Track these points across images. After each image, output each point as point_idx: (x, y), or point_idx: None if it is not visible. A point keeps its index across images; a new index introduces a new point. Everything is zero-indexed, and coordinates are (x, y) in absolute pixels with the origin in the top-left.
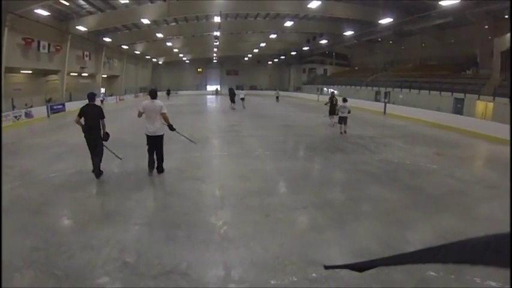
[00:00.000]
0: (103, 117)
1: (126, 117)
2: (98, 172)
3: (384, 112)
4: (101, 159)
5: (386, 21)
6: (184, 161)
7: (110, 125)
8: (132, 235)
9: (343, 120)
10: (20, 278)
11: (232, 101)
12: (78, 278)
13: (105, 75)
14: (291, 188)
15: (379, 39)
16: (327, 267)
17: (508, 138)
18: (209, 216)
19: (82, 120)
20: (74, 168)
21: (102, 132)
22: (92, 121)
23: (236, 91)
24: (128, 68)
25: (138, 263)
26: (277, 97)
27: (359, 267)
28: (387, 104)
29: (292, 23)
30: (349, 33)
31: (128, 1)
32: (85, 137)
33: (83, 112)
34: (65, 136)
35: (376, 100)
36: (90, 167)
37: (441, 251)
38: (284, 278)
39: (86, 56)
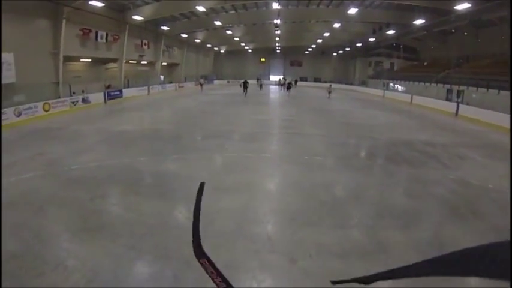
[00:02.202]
0: None
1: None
2: None
3: (456, 113)
4: None
5: (463, 6)
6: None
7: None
8: (112, 260)
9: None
10: None
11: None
12: None
13: (165, 63)
14: (336, 218)
15: (453, 30)
16: (333, 282)
17: None
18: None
19: None
20: (97, 161)
21: None
22: None
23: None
24: (188, 56)
25: None
26: (329, 92)
27: (366, 280)
28: (460, 105)
29: (356, 10)
30: (419, 22)
31: None
32: None
33: None
34: (109, 124)
35: (447, 99)
36: (115, 159)
37: (448, 261)
38: None
39: (145, 44)
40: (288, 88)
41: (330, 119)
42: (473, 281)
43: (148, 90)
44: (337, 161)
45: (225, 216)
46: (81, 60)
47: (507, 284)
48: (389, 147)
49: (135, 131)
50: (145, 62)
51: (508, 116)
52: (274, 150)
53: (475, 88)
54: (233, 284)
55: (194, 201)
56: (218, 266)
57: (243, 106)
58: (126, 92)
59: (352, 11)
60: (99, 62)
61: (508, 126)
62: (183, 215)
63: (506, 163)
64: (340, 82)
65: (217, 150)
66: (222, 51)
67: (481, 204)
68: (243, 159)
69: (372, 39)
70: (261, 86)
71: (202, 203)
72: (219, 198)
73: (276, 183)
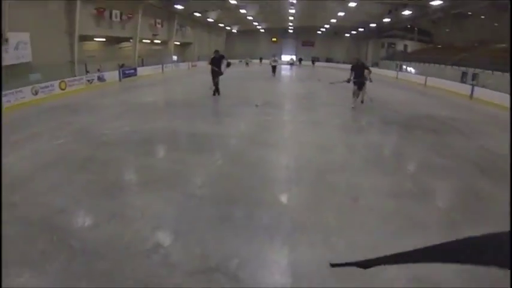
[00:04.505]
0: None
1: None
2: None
3: (471, 96)
4: None
5: None
6: (256, 125)
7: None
8: (174, 209)
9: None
10: (29, 245)
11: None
12: (93, 257)
13: (178, 42)
14: (382, 168)
15: (470, 13)
16: (333, 265)
17: None
18: (279, 193)
19: None
20: (129, 126)
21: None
22: None
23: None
24: (201, 36)
25: (173, 249)
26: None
27: (364, 265)
28: (475, 87)
29: None
30: (437, 2)
31: None
32: None
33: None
34: (130, 97)
35: (462, 82)
36: (146, 125)
37: (445, 249)
38: None
39: (158, 23)
40: (291, 64)
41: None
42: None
43: (162, 69)
44: (367, 126)
45: (276, 162)
46: (96, 39)
47: (507, 273)
48: (413, 119)
49: (159, 101)
50: (159, 41)
51: None
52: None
53: (490, 72)
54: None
55: (233, 155)
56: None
57: (263, 81)
58: (141, 71)
59: None
60: (113, 41)
61: None
62: (230, 165)
63: None
64: (351, 63)
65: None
66: (234, 30)
67: (504, 166)
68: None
69: (386, 20)
70: (274, 68)
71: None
72: (267, 152)
73: (326, 141)
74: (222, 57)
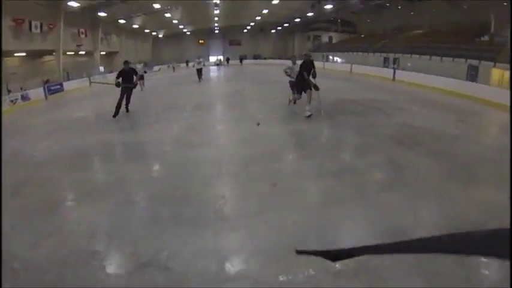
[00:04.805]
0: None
1: None
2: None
3: (393, 78)
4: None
5: None
6: (185, 128)
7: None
8: (108, 216)
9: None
10: None
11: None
12: (36, 273)
13: (104, 52)
14: (301, 152)
15: (388, 4)
16: (298, 252)
17: None
18: (203, 188)
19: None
20: (60, 144)
21: None
22: None
23: None
24: (127, 43)
25: (108, 252)
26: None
27: (333, 257)
28: (396, 70)
29: None
30: None
31: None
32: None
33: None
34: (58, 114)
35: (385, 66)
36: (76, 141)
37: (442, 241)
38: (297, 271)
39: (82, 33)
40: (218, 64)
41: (278, 87)
42: None
43: (90, 81)
44: (290, 116)
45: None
46: (16, 54)
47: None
48: (337, 104)
49: (89, 115)
50: (84, 52)
51: (437, 77)
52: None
53: (409, 55)
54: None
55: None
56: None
57: (189, 85)
58: (67, 85)
59: None
60: (35, 55)
61: (437, 86)
62: (161, 169)
63: (440, 113)
64: (280, 58)
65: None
66: (161, 35)
67: (420, 138)
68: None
69: (310, 14)
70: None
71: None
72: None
73: (249, 135)
74: (133, 70)
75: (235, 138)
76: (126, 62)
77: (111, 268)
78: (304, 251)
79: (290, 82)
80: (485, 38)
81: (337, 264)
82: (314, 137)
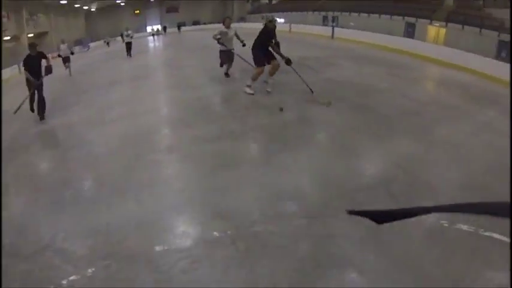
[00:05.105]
0: None
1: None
2: None
3: (332, 36)
4: None
5: None
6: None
7: None
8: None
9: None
10: None
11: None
12: None
13: (32, 34)
14: (206, 119)
15: None
16: (349, 212)
17: (460, 63)
18: (99, 166)
19: None
20: None
21: None
22: None
23: None
24: (56, 22)
25: (17, 242)
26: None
27: (378, 219)
28: (335, 28)
29: None
30: None
31: None
32: None
33: None
34: None
35: (324, 25)
36: None
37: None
38: (172, 243)
39: (4, 16)
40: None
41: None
42: None
43: (19, 68)
44: (210, 80)
45: None
46: None
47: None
48: None
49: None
50: (9, 37)
51: (375, 34)
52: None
53: (347, 13)
54: None
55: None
56: None
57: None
58: None
59: None
60: None
61: (374, 43)
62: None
63: (371, 67)
64: (219, 22)
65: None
66: (93, 9)
67: (344, 92)
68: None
69: None
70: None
71: None
72: None
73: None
74: (42, 55)
75: (143, 109)
76: (30, 45)
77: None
78: (355, 211)
79: (222, 52)
80: None
81: (215, 232)
82: (225, 100)
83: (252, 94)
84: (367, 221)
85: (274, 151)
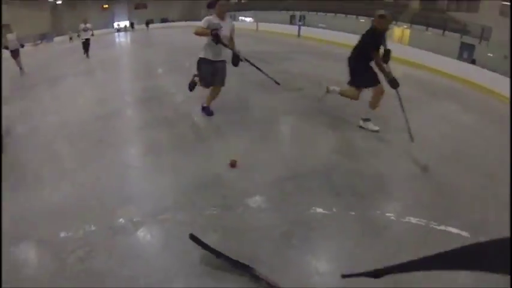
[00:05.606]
0: None
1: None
2: None
3: (298, 35)
4: None
5: None
6: None
7: None
8: None
9: None
10: None
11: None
12: None
13: None
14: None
15: None
16: (344, 276)
17: (421, 62)
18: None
19: None
20: None
21: None
22: None
23: None
24: (18, 14)
25: None
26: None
27: (375, 274)
28: (302, 27)
29: None
30: None
31: None
32: None
33: None
34: None
35: (292, 23)
36: None
37: (450, 257)
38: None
39: None
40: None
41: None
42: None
43: None
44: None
45: None
46: None
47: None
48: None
49: None
50: None
51: (339, 33)
52: None
53: (314, 13)
54: None
55: None
56: None
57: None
58: None
59: None
60: None
61: (339, 42)
62: None
63: (332, 63)
64: (187, 19)
65: None
66: (59, 2)
67: (297, 83)
68: None
69: None
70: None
71: None
72: None
73: None
74: None
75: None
76: None
77: None
78: (350, 274)
79: (203, 62)
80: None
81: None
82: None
83: (377, 131)
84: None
85: (203, 137)
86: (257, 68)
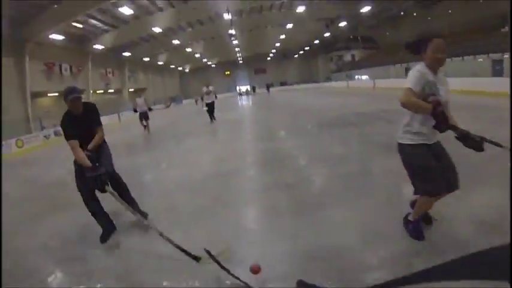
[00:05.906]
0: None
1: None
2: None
3: None
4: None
5: None
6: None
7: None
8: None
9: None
10: None
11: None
12: None
13: (132, 89)
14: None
15: (402, 13)
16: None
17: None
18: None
19: None
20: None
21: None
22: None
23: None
24: (154, 80)
25: None
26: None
27: None
28: None
29: (304, 8)
30: (366, 9)
31: (132, 12)
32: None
33: None
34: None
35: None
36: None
37: (445, 269)
38: None
39: (109, 72)
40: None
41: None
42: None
43: (119, 117)
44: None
45: None
46: (49, 94)
47: (507, 285)
48: (338, 119)
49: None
50: (112, 90)
51: (457, 79)
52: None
53: None
54: None
55: None
56: None
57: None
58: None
59: (300, 9)
60: None
61: (459, 88)
62: None
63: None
64: (305, 82)
65: None
66: (187, 70)
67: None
68: None
69: (327, 34)
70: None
71: None
72: None
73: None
74: (92, 110)
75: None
76: (69, 92)
77: None
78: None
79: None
80: (506, 29)
81: None
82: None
83: None
84: None
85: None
86: None
